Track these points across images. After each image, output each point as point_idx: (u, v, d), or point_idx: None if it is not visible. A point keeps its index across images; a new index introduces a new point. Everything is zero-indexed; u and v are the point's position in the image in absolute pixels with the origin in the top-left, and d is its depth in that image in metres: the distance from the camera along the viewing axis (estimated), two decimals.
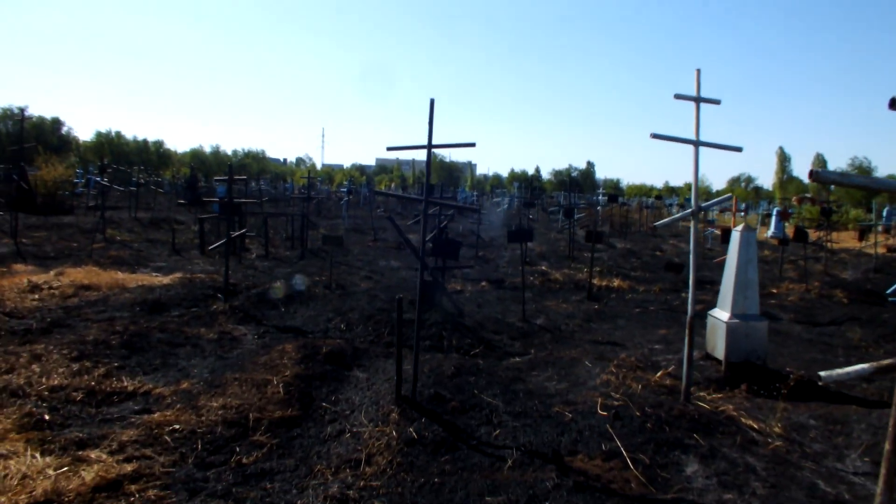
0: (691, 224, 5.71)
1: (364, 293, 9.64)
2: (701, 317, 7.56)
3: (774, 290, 13.06)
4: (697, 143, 5.69)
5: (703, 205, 5.86)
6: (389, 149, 5.23)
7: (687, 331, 5.64)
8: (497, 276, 13.25)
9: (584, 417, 5.01)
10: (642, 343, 8.19)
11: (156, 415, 5.09)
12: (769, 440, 5.19)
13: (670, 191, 73.42)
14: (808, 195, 40.24)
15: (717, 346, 6.98)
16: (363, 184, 50.33)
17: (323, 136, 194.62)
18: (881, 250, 18.64)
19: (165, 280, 10.47)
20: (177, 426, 4.86)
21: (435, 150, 5.55)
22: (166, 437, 4.70)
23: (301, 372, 5.86)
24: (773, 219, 26.06)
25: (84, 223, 18.71)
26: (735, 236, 7.04)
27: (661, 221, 6.09)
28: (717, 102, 5.80)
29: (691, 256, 5.68)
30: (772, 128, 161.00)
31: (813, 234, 19.58)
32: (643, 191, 62.64)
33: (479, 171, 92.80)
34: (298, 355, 6.19)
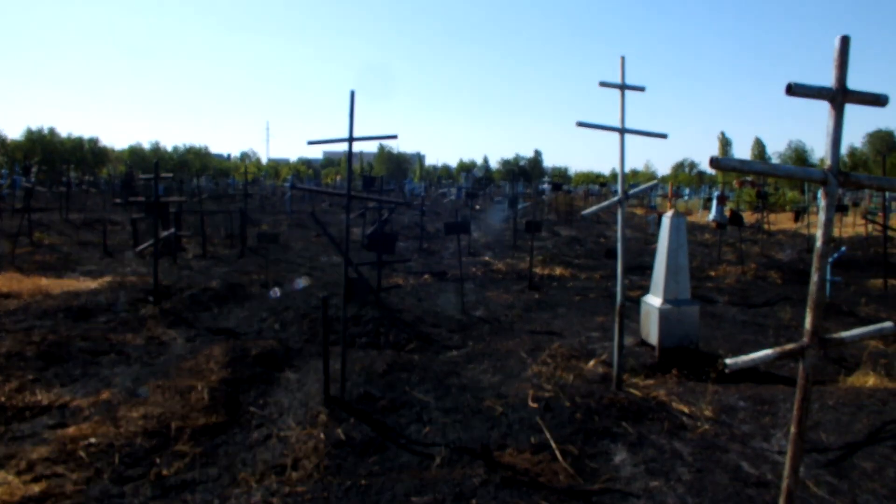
0: (618, 211, 5.74)
1: (301, 291, 9.45)
2: (636, 303, 7.66)
3: (713, 274, 13.38)
4: (623, 131, 5.71)
5: (630, 192, 5.89)
6: (310, 143, 5.08)
7: (617, 318, 5.68)
8: (440, 268, 13.17)
9: (514, 410, 4.99)
10: (580, 331, 8.24)
11: (71, 429, 4.83)
12: (698, 424, 5.27)
13: (616, 177, 74.80)
14: (749, 179, 41.54)
15: (651, 332, 7.07)
16: (309, 178, 49.54)
17: (268, 129, 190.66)
18: (814, 230, 19.35)
19: (93, 284, 10.04)
20: (93, 440, 4.62)
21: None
22: (81, 453, 4.45)
23: (228, 376, 5.67)
24: (713, 203, 26.78)
25: (9, 227, 17.80)
26: (665, 222, 7.13)
27: (588, 210, 6.10)
28: (641, 89, 5.83)
29: (619, 244, 5.71)
30: (714, 113, 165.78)
31: (751, 217, 20.22)
32: (590, 178, 63.62)
33: (429, 161, 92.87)
34: (226, 358, 6.00)
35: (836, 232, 17.14)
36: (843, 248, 10.64)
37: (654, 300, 7.11)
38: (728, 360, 2.94)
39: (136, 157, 54.29)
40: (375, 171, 62.93)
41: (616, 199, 5.72)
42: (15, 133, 52.00)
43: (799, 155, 56.77)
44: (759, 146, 67.40)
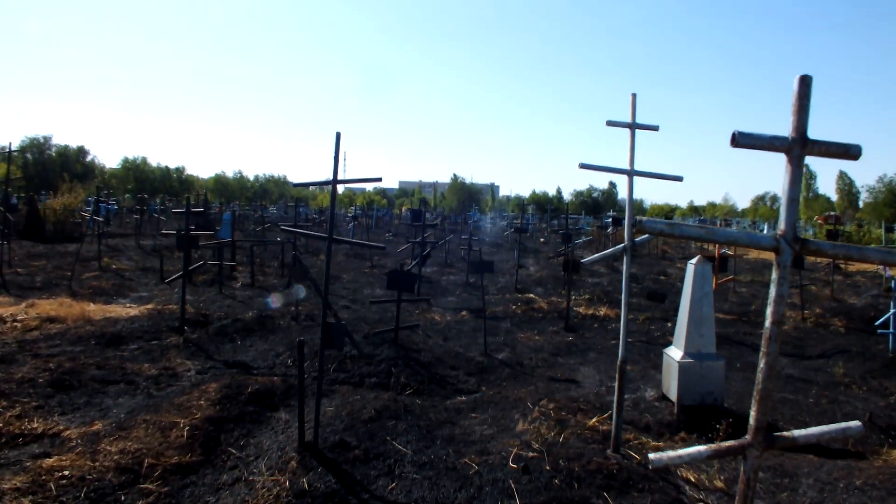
0: (624, 260, 5.37)
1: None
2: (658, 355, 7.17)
3: None
4: (631, 174, 5.38)
5: (637, 240, 5.52)
6: (296, 185, 5.03)
7: (617, 375, 5.29)
8: (481, 304, 12.91)
9: (491, 471, 4.68)
10: (603, 380, 7.79)
11: (51, 459, 4.89)
12: (699, 497, 4.80)
13: (693, 210, 72.22)
14: (833, 212, 39.04)
15: (671, 386, 6.58)
16: (383, 207, 50.38)
17: (344, 159, 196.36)
18: (893, 272, 17.79)
19: (134, 312, 10.39)
20: (66, 472, 4.65)
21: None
22: (51, 485, 4.49)
23: (214, 414, 5.64)
24: None
25: (87, 251, 18.90)
26: (689, 270, 6.66)
27: (591, 258, 5.74)
28: (654, 129, 5.48)
29: (623, 295, 5.35)
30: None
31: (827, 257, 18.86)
32: (665, 211, 61.59)
33: (503, 192, 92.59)
34: (218, 395, 5.97)
35: None
36: None
37: (675, 353, 6.62)
38: (652, 456, 2.59)
39: (220, 185, 57.05)
40: (447, 201, 63.40)
41: (619, 246, 5.36)
42: (112, 162, 56.05)
43: (892, 190, 52.74)
44: (845, 180, 63.34)
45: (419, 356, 8.16)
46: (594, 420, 5.87)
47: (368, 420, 5.47)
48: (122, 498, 4.41)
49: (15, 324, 9.25)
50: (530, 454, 4.89)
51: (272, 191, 59.75)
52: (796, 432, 2.51)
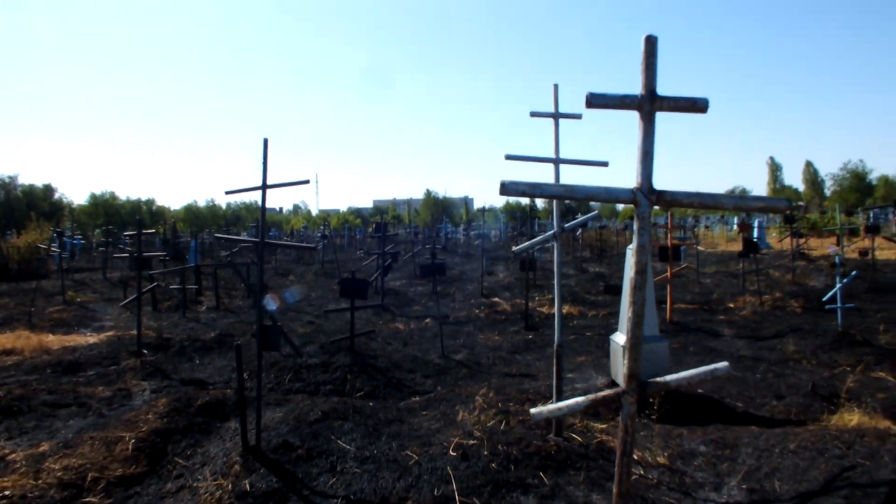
0: (554, 246, 5.51)
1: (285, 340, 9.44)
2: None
3: (731, 305, 12.74)
4: (557, 161, 5.53)
5: (566, 226, 5.66)
6: (227, 192, 5.11)
7: (554, 360, 5.40)
8: (445, 311, 13.01)
9: (431, 460, 4.75)
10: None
11: None
12: (640, 472, 4.91)
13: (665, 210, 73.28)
14: (801, 203, 39.83)
15: (618, 371, 6.71)
16: (358, 227, 50.43)
17: (317, 181, 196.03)
18: (851, 254, 18.26)
19: (93, 339, 10.33)
20: (7, 492, 4.65)
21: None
22: None
23: (161, 426, 5.65)
24: (756, 230, 25.71)
25: (53, 287, 18.70)
26: (629, 254, 6.81)
27: (520, 246, 5.88)
28: (577, 117, 5.64)
29: (556, 281, 5.47)
30: (764, 137, 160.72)
31: (795, 243, 19.29)
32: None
33: (477, 204, 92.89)
34: (167, 409, 5.98)
35: (869, 255, 16.05)
36: (855, 273, 9.92)
37: (619, 337, 6.77)
38: (532, 410, 2.71)
39: (191, 215, 56.76)
40: (421, 216, 63.60)
41: (551, 233, 5.50)
42: (79, 199, 55.61)
43: (857, 175, 53.88)
44: (810, 169, 64.63)
45: (376, 362, 8.23)
46: (539, 407, 5.96)
47: (314, 421, 5.52)
48: None
49: None
50: (471, 442, 4.98)
51: (245, 217, 59.54)
52: (668, 377, 2.63)
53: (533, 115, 5.55)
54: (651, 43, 2.26)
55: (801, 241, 19.55)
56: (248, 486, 4.50)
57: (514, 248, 6.12)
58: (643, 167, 2.32)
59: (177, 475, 4.98)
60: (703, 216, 50.05)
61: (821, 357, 8.56)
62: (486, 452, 4.75)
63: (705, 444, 5.58)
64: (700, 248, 25.62)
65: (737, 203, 2.33)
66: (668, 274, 11.16)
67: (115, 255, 15.89)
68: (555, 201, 5.66)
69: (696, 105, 2.30)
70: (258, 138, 4.69)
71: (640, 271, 2.35)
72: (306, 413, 5.74)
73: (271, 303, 12.01)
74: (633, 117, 2.41)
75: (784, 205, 2.26)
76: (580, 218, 6.04)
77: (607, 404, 2.55)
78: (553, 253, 5.50)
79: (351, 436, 5.33)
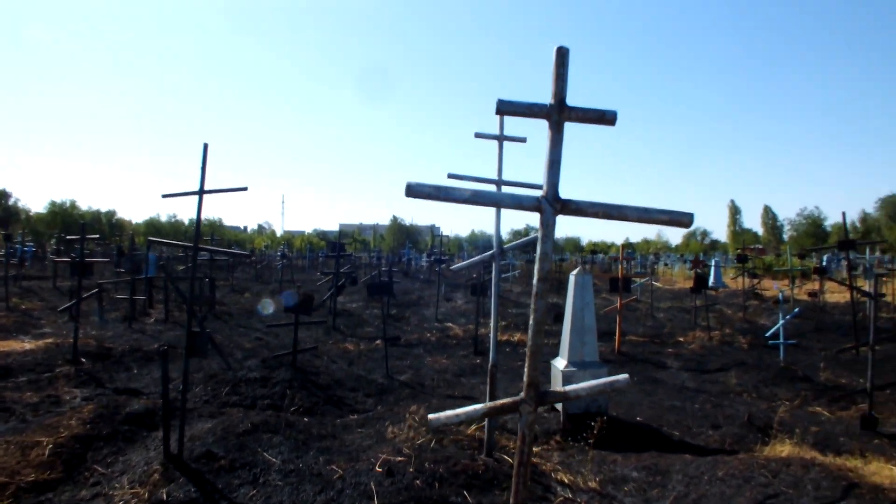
0: (493, 266, 5.54)
1: (228, 354, 9.28)
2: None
3: (681, 339, 12.91)
4: (500, 183, 5.58)
5: (506, 247, 5.71)
6: (164, 196, 5.05)
7: (489, 380, 5.39)
8: (397, 333, 12.93)
9: (356, 475, 4.67)
10: (500, 396, 7.87)
11: None
12: (569, 496, 4.90)
13: (628, 246, 74.76)
14: (759, 246, 40.88)
15: None
16: (321, 249, 50.08)
17: (283, 202, 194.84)
18: (802, 296, 18.72)
19: (30, 346, 9.99)
20: None
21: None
22: None
23: (84, 432, 5.46)
24: (713, 269, 26.26)
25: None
26: (571, 280, 6.89)
27: (458, 265, 5.91)
28: (522, 140, 5.72)
29: (493, 299, 5.49)
30: (726, 181, 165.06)
31: (749, 283, 19.73)
32: (601, 247, 63.59)
33: (444, 232, 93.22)
34: (91, 416, 5.79)
35: (820, 297, 16.50)
36: (798, 310, 10.17)
37: (559, 362, 6.79)
38: (430, 416, 2.69)
39: (152, 229, 55.81)
40: (386, 242, 63.59)
41: (489, 253, 5.54)
42: (38, 206, 54.33)
43: (814, 221, 55.72)
44: (769, 214, 66.61)
45: (318, 379, 8.11)
46: (473, 428, 5.93)
47: (242, 433, 5.39)
48: None
49: None
50: (398, 459, 4.91)
51: (206, 233, 58.73)
52: (568, 387, 2.64)
53: (477, 136, 5.61)
54: (562, 54, 2.32)
55: (755, 281, 20.01)
56: (164, 496, 4.36)
57: (451, 267, 6.14)
58: (549, 176, 2.35)
59: (93, 482, 4.81)
60: (664, 255, 51.05)
61: (762, 391, 8.71)
62: (412, 469, 4.68)
63: (637, 470, 5.61)
64: (658, 284, 26.03)
65: (640, 215, 2.37)
66: (618, 305, 11.29)
67: (56, 260, 15.41)
68: (495, 226, 5.71)
69: (605, 117, 2.35)
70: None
71: (542, 279, 2.37)
72: (236, 425, 5.60)
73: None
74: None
75: (687, 219, 2.30)
76: (517, 242, 6.08)
77: (505, 412, 2.54)
78: (497, 281, 5.52)
79: (278, 449, 5.21)
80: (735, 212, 70.70)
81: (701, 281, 13.59)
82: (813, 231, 56.54)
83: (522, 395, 2.54)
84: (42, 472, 4.85)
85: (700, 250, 55.61)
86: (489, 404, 2.58)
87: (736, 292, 22.87)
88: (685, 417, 7.31)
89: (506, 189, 5.56)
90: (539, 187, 5.57)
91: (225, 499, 4.41)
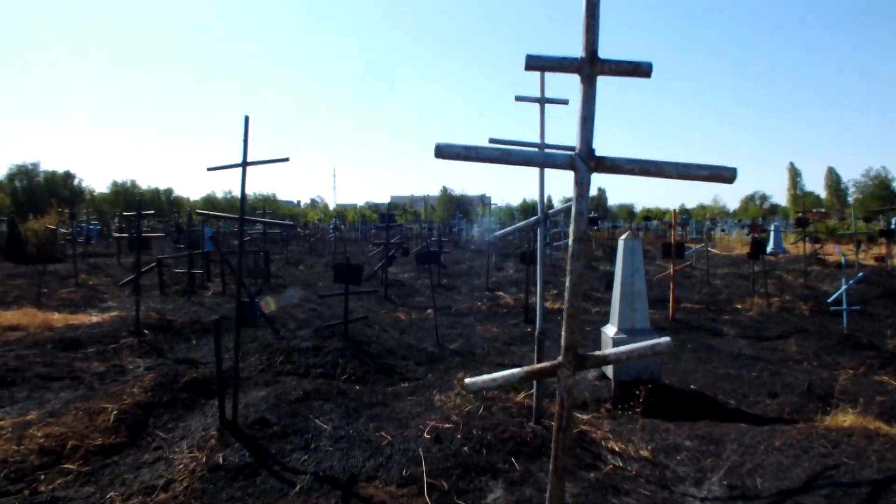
0: (538, 231, 5.46)
1: (282, 325, 9.51)
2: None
3: (738, 306, 12.54)
4: (542, 147, 5.46)
5: (550, 212, 5.60)
6: (209, 169, 5.14)
7: (536, 347, 5.35)
8: (448, 303, 12.99)
9: (405, 441, 4.73)
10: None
11: None
12: (619, 464, 4.84)
13: (684, 212, 72.78)
14: (822, 209, 39.18)
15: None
16: (373, 221, 50.57)
17: (335, 176, 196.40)
18: (868, 261, 17.89)
19: (97, 319, 10.46)
20: None
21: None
22: None
23: (145, 400, 5.70)
24: (772, 234, 25.34)
25: (68, 270, 18.99)
26: (620, 245, 6.74)
27: (501, 231, 5.83)
28: (564, 102, 5.56)
29: (538, 268, 5.42)
30: (786, 143, 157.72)
31: (810, 248, 18.97)
32: (655, 214, 61.99)
33: (494, 202, 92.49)
34: (152, 384, 6.03)
35: (888, 262, 15.72)
36: (862, 275, 9.72)
37: (610, 329, 6.69)
38: (467, 380, 2.67)
39: (209, 206, 57.40)
40: (437, 213, 63.73)
41: (533, 219, 5.45)
42: (101, 187, 56.72)
43: (881, 182, 52.86)
44: (832, 175, 63.55)
45: (369, 348, 8.22)
46: (522, 396, 5.92)
47: (295, 401, 5.53)
48: (42, 477, 4.51)
49: None
50: (446, 425, 4.94)
51: (259, 206, 60.37)
52: (607, 350, 2.58)
53: (518, 99, 5.48)
54: (592, 4, 2.21)
55: (817, 245, 19.20)
56: (220, 460, 4.51)
57: (495, 234, 6.07)
58: (582, 132, 2.26)
59: (155, 447, 5.02)
60: (721, 220, 49.47)
61: (823, 359, 8.40)
62: (459, 436, 4.71)
63: (691, 438, 5.49)
64: (714, 250, 25.31)
65: (680, 170, 2.25)
66: (672, 271, 11.03)
67: (117, 236, 15.99)
68: (539, 190, 5.61)
69: (639, 69, 2.23)
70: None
71: (578, 239, 2.30)
72: (288, 392, 5.74)
73: (270, 303, 12.06)
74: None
75: (729, 174, 2.19)
76: (561, 207, 5.96)
77: (543, 376, 2.50)
78: (542, 247, 5.44)
79: (330, 416, 5.33)
80: (795, 174, 67.78)
81: (758, 246, 13.11)
82: (880, 192, 53.69)
83: (560, 358, 2.49)
84: (108, 436, 5.09)
85: (759, 215, 53.61)
86: (526, 368, 2.54)
87: (797, 258, 22.05)
88: (741, 386, 7.12)
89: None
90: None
91: (278, 463, 4.54)
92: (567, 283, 2.38)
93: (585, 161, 2.27)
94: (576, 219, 2.29)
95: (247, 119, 4.97)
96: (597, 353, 2.53)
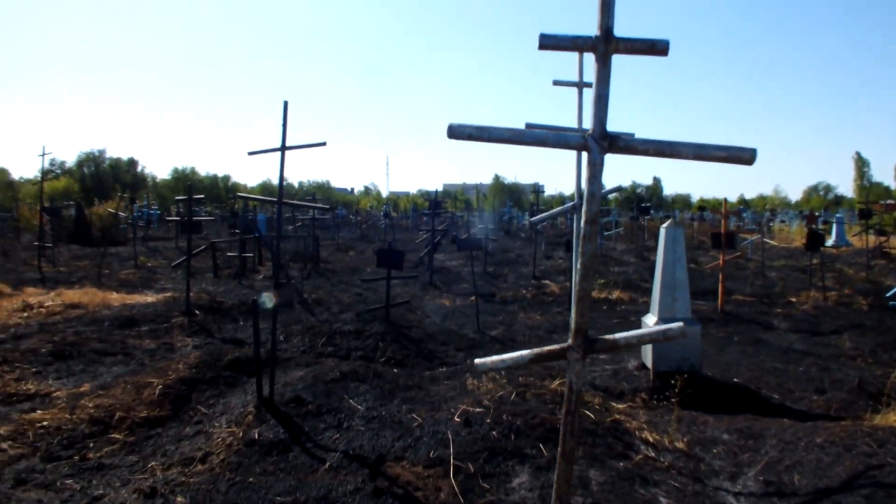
0: (574, 218, 5.40)
1: (326, 308, 9.69)
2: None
3: (793, 299, 12.11)
4: (580, 132, 5.39)
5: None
6: (250, 153, 5.28)
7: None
8: (493, 290, 12.98)
9: (435, 424, 4.78)
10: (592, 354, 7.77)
11: (36, 413, 5.29)
12: (652, 454, 4.78)
13: (743, 202, 70.43)
14: (891, 201, 37.26)
15: (647, 353, 6.53)
16: (424, 209, 50.93)
17: (388, 164, 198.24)
18: None
19: (151, 299, 10.89)
20: (46, 423, 5.04)
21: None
22: (31, 433, 4.89)
23: (189, 375, 5.93)
24: (835, 226, 24.32)
25: (129, 253, 19.81)
26: (662, 234, 6.60)
27: (538, 217, 5.79)
28: None
29: (574, 254, 5.36)
30: (851, 134, 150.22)
31: (875, 241, 18.15)
32: (711, 204, 60.13)
33: (548, 191, 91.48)
34: (197, 361, 6.26)
35: None
36: None
37: (650, 319, 6.57)
38: (477, 361, 2.68)
39: (265, 192, 58.84)
40: (489, 201, 63.64)
41: (570, 205, 5.40)
42: (163, 173, 58.97)
43: None
44: None
45: (410, 332, 8.31)
46: (557, 383, 5.88)
47: (331, 381, 5.65)
48: (91, 444, 4.79)
49: (41, 309, 9.84)
50: (477, 410, 4.97)
51: (317, 195, 61.50)
52: (618, 335, 2.54)
53: (556, 83, 5.44)
54: None
55: (883, 238, 18.32)
56: (256, 435, 4.66)
57: (532, 219, 6.03)
58: (596, 112, 2.22)
59: (196, 421, 5.23)
60: (781, 211, 47.71)
61: (879, 356, 8.05)
62: (489, 420, 4.73)
63: (729, 432, 5.38)
64: (772, 241, 24.44)
65: (696, 151, 2.19)
66: (721, 262, 10.73)
67: (167, 219, 16.56)
68: (577, 175, 5.55)
69: (656, 47, 2.17)
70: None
71: (590, 221, 2.27)
72: (325, 373, 5.87)
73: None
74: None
75: (748, 155, 2.12)
76: (604, 191, 5.87)
77: (552, 358, 2.48)
78: (578, 233, 5.38)
79: (364, 397, 5.42)
80: (862, 164, 64.51)
81: (815, 238, 12.60)
82: None
83: (570, 341, 2.47)
84: (153, 409, 5.32)
85: (822, 206, 51.36)
86: (535, 351, 2.53)
87: (860, 251, 21.11)
88: (787, 380, 6.90)
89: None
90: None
91: (310, 440, 4.65)
92: (578, 265, 2.36)
93: (598, 141, 2.23)
94: (588, 200, 2.26)
95: (286, 104, 5.07)
96: (607, 336, 2.49)
